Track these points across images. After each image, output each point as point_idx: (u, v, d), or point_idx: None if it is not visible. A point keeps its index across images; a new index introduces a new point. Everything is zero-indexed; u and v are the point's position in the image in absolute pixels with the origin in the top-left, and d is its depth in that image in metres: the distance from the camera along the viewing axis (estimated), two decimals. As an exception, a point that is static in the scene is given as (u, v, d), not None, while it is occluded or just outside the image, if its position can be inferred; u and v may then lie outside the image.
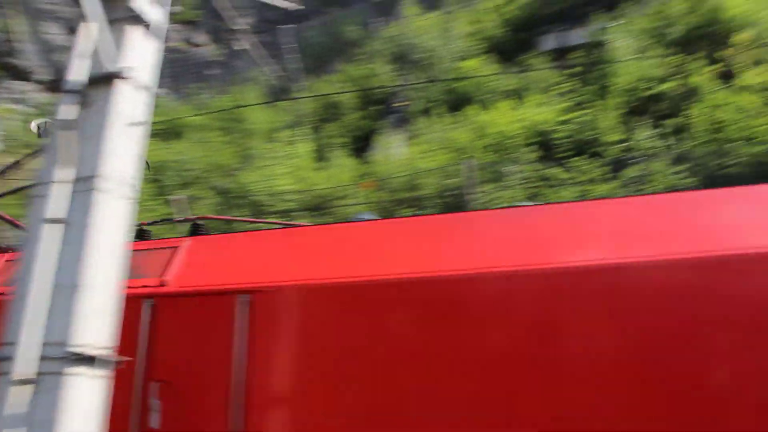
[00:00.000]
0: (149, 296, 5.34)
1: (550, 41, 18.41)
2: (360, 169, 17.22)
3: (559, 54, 17.61)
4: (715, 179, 13.07)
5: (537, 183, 13.86)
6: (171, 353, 5.16)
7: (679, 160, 13.54)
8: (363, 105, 20.07)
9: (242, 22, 26.04)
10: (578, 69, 16.55)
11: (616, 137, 14.26)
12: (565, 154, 14.17)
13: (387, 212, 13.33)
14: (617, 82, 15.54)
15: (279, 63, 24.45)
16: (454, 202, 14.03)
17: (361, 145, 18.88)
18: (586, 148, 14.18)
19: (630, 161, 13.59)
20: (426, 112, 17.83)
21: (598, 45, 16.78)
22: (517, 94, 16.66)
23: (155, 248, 5.90)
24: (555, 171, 13.79)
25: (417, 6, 22.23)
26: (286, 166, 17.31)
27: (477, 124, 15.82)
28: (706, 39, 15.39)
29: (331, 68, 23.79)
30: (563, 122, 15.05)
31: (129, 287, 5.02)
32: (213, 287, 5.28)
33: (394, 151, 17.35)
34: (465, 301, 4.46)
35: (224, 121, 21.48)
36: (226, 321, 5.08)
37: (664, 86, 14.73)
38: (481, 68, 18.17)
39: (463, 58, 19.23)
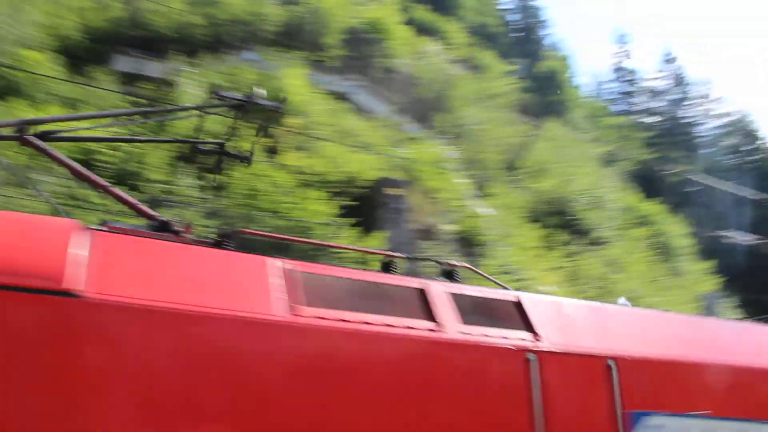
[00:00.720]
0: (531, 351, 5.52)
1: (125, 63, 18.19)
2: None
3: (130, 79, 17.49)
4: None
5: (67, 201, 13.31)
6: (558, 413, 5.39)
7: (211, 214, 14.29)
8: None
9: None
10: (144, 101, 16.59)
11: (159, 176, 14.52)
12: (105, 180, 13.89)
13: None
14: (177, 125, 15.93)
15: None
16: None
17: None
18: (127, 178, 14.13)
19: (165, 203, 13.91)
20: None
21: (169, 84, 17.10)
22: (72, 104, 15.97)
23: (483, 296, 5.90)
24: (89, 193, 13.42)
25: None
26: None
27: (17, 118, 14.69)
28: (265, 113, 16.78)
29: None
30: (113, 147, 14.82)
31: (504, 337, 5.48)
32: (586, 350, 5.84)
33: None
34: None
35: None
36: (600, 384, 5.73)
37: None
38: (45, 64, 17.07)
39: (27, 46, 17.84)
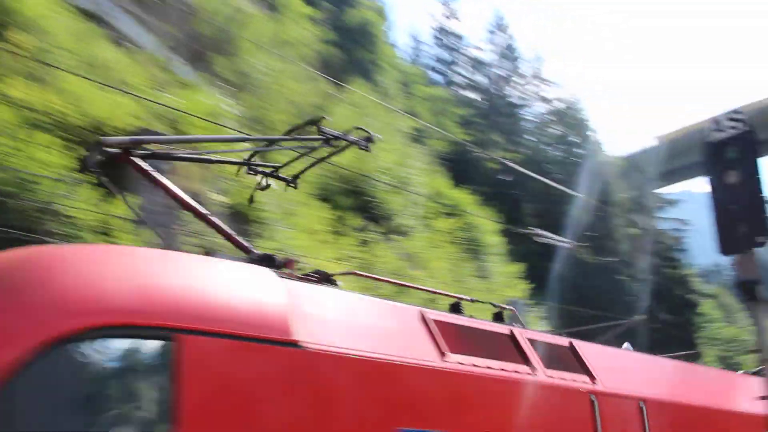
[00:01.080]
0: (593, 392, 7.61)
1: None
2: None
3: None
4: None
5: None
6: None
7: None
8: None
9: None
10: None
11: None
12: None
13: None
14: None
15: None
16: None
17: None
18: None
19: None
20: None
21: None
22: None
23: (547, 341, 7.97)
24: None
25: None
26: None
27: None
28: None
29: None
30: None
31: (573, 380, 7.65)
32: (625, 392, 8.14)
33: None
34: None
35: None
36: (635, 422, 8.05)
37: None
38: None
39: None
